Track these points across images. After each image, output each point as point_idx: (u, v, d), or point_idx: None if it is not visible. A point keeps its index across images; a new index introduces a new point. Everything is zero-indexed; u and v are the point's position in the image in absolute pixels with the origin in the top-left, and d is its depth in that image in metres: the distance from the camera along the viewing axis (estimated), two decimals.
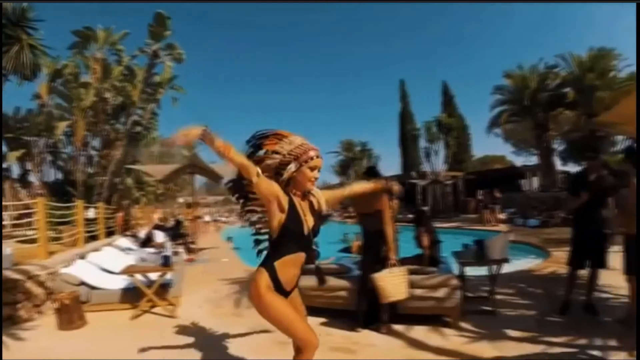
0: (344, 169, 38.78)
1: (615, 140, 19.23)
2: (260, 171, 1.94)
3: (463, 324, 3.94)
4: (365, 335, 3.77)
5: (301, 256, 2.09)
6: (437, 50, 75.17)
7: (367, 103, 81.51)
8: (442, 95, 33.64)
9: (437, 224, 15.69)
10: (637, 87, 3.51)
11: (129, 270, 4.95)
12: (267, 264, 2.02)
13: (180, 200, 30.69)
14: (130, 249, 8.01)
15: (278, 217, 1.97)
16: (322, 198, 2.20)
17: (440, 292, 3.91)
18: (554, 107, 21.46)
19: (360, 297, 3.93)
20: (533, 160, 27.08)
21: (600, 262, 4.10)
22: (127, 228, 13.46)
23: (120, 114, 14.24)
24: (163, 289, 4.99)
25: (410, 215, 7.39)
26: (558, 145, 25.06)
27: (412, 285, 3.78)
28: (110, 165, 13.45)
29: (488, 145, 58.82)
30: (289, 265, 2.03)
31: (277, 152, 2.09)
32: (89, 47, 13.42)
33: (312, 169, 2.07)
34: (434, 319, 4.00)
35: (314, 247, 2.23)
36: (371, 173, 3.93)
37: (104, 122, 13.70)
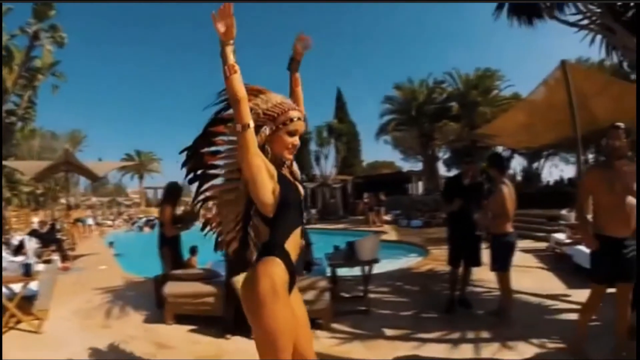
0: None
1: (495, 150, 21.69)
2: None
3: (336, 326, 3.96)
4: (235, 342, 3.66)
5: None
6: (333, 55, 77.03)
7: None
8: (335, 100, 34.81)
9: (326, 226, 16.10)
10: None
11: None
12: (278, 250, 1.55)
13: (63, 201, 27.58)
14: None
15: (271, 186, 1.55)
16: (298, 173, 1.80)
17: (310, 295, 3.91)
18: (439, 118, 23.82)
19: (227, 303, 3.81)
20: (419, 166, 29.51)
21: (474, 261, 4.46)
22: None
23: None
24: (28, 301, 4.37)
25: None
26: (443, 154, 27.74)
27: None
28: None
29: (380, 151, 62.50)
30: (295, 246, 1.63)
31: (251, 110, 1.62)
32: None
33: (291, 133, 1.67)
34: None
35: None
36: None
37: None
